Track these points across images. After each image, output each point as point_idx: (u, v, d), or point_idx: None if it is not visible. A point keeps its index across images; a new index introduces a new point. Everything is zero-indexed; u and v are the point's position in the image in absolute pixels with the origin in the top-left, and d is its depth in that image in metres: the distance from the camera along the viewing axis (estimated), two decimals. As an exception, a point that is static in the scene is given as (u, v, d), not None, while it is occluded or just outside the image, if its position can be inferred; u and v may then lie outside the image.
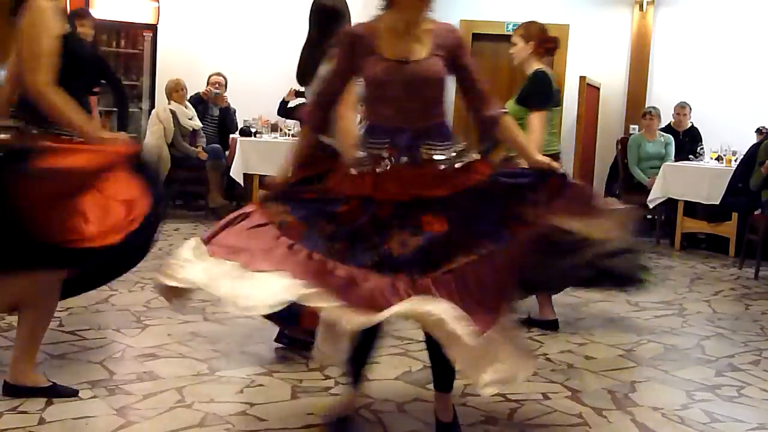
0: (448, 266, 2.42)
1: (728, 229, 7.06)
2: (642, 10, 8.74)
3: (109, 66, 6.92)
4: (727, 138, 7.66)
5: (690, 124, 8.08)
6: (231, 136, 7.89)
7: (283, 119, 7.74)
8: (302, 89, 3.70)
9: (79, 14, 5.94)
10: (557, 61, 8.85)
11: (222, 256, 2.39)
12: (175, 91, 7.57)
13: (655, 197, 7.33)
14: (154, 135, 7.38)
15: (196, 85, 7.89)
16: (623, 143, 8.07)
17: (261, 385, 3.22)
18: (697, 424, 3.04)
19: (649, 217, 7.78)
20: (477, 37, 8.74)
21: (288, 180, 2.69)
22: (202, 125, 7.76)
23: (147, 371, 3.28)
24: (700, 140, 8.01)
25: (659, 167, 7.41)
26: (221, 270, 2.35)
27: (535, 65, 4.21)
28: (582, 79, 8.22)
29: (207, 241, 2.46)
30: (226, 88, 8.04)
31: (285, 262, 2.38)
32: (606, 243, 2.55)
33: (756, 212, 6.43)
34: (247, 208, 2.59)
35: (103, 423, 2.74)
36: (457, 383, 2.77)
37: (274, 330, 3.64)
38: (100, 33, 7.89)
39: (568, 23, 8.87)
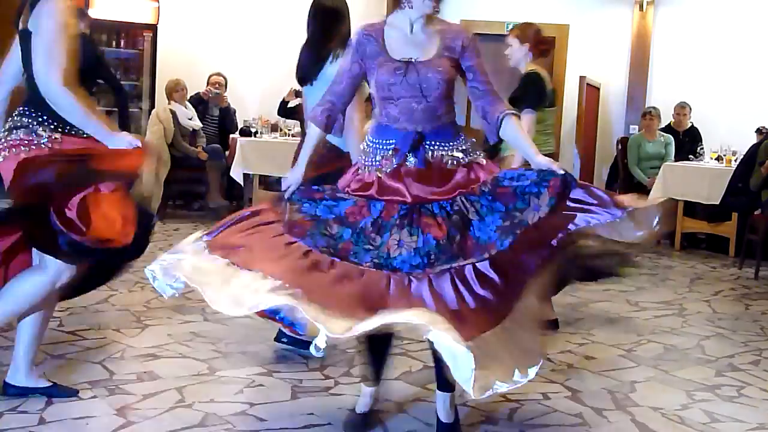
0: (445, 266, 2.42)
1: (728, 229, 7.07)
2: (642, 10, 8.74)
3: (108, 66, 6.92)
4: (727, 138, 7.66)
5: (690, 124, 8.08)
6: (231, 136, 7.88)
7: (283, 119, 7.74)
8: (302, 89, 3.69)
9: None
10: (557, 61, 8.87)
11: (218, 252, 2.42)
12: (175, 91, 7.56)
13: (655, 197, 7.32)
14: (154, 135, 7.38)
15: (196, 85, 7.89)
16: (623, 143, 8.07)
17: (261, 385, 3.22)
18: (697, 424, 3.04)
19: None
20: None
21: (300, 179, 2.72)
22: (202, 125, 7.76)
23: (147, 371, 3.28)
24: (700, 140, 8.01)
25: (659, 167, 7.40)
26: (211, 267, 2.38)
27: (530, 66, 4.26)
28: (582, 79, 8.23)
29: (210, 237, 2.50)
30: (226, 88, 8.03)
31: (278, 260, 2.41)
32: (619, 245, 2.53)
33: (756, 212, 6.43)
34: (259, 206, 2.64)
35: (103, 423, 2.74)
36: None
37: (274, 330, 3.64)
38: (101, 33, 7.89)
39: (568, 23, 8.88)
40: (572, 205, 2.48)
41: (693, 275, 6.16)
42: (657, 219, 2.51)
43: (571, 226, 2.45)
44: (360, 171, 2.62)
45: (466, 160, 2.59)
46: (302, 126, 3.86)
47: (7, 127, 2.73)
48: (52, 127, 2.69)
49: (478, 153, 2.64)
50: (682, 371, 3.68)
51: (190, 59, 8.34)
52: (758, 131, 7.72)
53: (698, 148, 7.85)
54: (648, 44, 8.78)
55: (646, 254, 6.53)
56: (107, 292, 4.38)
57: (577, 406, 3.15)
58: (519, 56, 4.27)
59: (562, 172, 2.49)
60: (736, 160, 7.03)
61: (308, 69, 3.51)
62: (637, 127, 8.43)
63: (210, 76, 8.01)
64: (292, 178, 2.72)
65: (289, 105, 7.23)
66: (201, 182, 7.81)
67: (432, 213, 2.49)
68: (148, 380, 3.18)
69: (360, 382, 2.97)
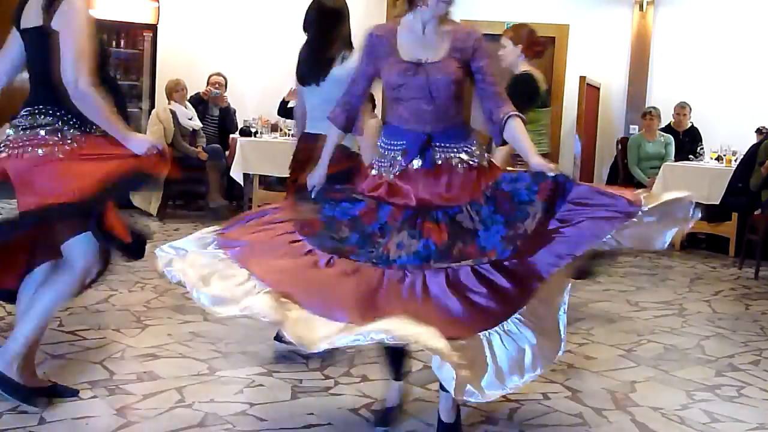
0: (443, 264, 2.42)
1: (728, 229, 7.07)
2: (642, 10, 8.74)
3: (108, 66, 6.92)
4: (727, 138, 7.67)
5: (690, 124, 8.09)
6: (231, 136, 7.89)
7: (283, 119, 7.74)
8: (302, 89, 3.69)
9: None
10: (557, 61, 8.88)
11: (223, 246, 2.51)
12: (175, 91, 7.57)
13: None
14: (154, 135, 7.37)
15: (196, 85, 7.89)
16: (623, 143, 8.07)
17: (261, 385, 3.22)
18: (697, 424, 3.04)
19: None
20: (477, 37, 8.73)
21: (324, 179, 2.76)
22: (202, 125, 7.76)
23: (147, 371, 3.28)
24: (700, 140, 8.01)
25: (659, 167, 7.40)
26: (207, 262, 2.45)
27: (523, 67, 4.28)
28: (582, 79, 8.23)
29: (225, 231, 2.57)
30: (226, 88, 8.04)
31: (276, 258, 2.46)
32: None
33: (756, 212, 6.44)
34: (279, 204, 2.70)
35: (103, 423, 2.74)
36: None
37: (274, 330, 3.63)
38: (101, 33, 7.87)
39: (568, 23, 8.88)
40: (573, 207, 2.44)
41: (693, 275, 6.16)
42: (691, 210, 2.44)
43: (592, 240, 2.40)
44: (373, 171, 2.65)
45: (474, 163, 2.58)
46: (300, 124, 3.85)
47: (25, 125, 2.70)
48: (76, 126, 2.71)
49: (486, 155, 2.64)
50: (682, 371, 3.68)
51: (190, 59, 8.34)
52: (758, 131, 7.73)
53: (698, 148, 7.85)
54: (648, 44, 8.78)
55: (646, 254, 6.54)
56: (107, 292, 4.38)
57: (577, 406, 3.15)
58: (513, 57, 4.29)
59: (554, 174, 2.46)
60: (736, 160, 7.03)
61: (313, 70, 3.50)
62: (637, 127, 8.43)
63: (210, 76, 8.01)
64: (316, 177, 2.77)
65: (289, 105, 7.21)
66: (201, 182, 7.81)
67: (436, 219, 2.49)
68: (148, 380, 3.18)
69: (360, 381, 2.97)
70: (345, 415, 2.94)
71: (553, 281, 2.43)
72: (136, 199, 6.91)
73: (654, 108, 7.95)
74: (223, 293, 2.36)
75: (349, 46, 3.51)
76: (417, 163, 2.57)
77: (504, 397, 3.09)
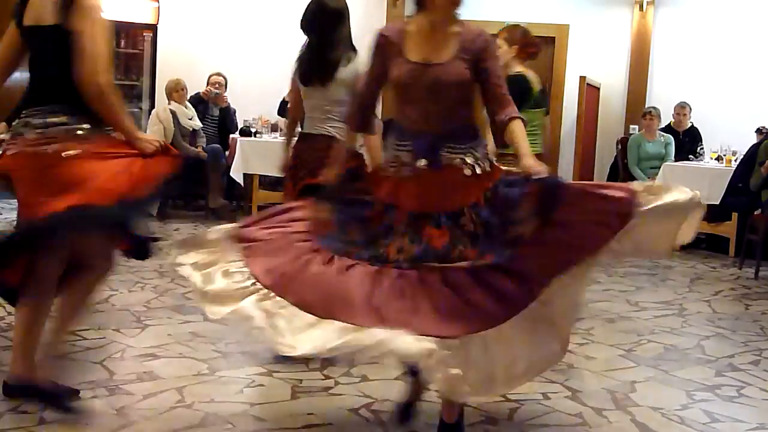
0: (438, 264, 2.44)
1: (728, 229, 7.07)
2: (642, 10, 8.74)
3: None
4: (727, 138, 7.66)
5: (690, 124, 8.09)
6: (231, 136, 7.89)
7: (284, 119, 7.74)
8: (304, 89, 3.68)
9: None
10: (557, 61, 8.88)
11: (237, 241, 2.56)
12: (175, 91, 7.56)
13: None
14: (155, 135, 7.35)
15: (196, 85, 7.89)
16: (623, 143, 8.07)
17: (261, 385, 3.23)
18: (697, 424, 3.04)
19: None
20: (477, 37, 8.73)
21: (338, 179, 2.78)
22: (202, 125, 7.75)
23: (147, 371, 3.28)
24: (700, 140, 8.01)
25: (659, 167, 7.40)
26: (214, 259, 2.51)
27: (517, 68, 4.29)
28: (582, 79, 8.22)
29: (242, 228, 2.61)
30: (226, 88, 8.03)
31: (281, 257, 2.50)
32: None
33: (756, 212, 6.44)
34: (299, 203, 2.73)
35: (103, 423, 2.74)
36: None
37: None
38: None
39: (568, 23, 8.88)
40: (567, 210, 2.44)
41: (693, 275, 6.17)
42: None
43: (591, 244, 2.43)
44: (382, 172, 2.66)
45: (480, 165, 2.58)
46: (301, 124, 3.85)
47: (40, 123, 2.69)
48: (90, 125, 2.71)
49: (491, 158, 2.63)
50: (682, 371, 3.68)
51: (190, 59, 8.34)
52: (758, 131, 7.73)
53: (698, 148, 7.85)
54: (648, 44, 8.78)
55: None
56: (107, 292, 4.38)
57: (577, 406, 3.15)
58: (507, 58, 4.29)
59: (542, 176, 2.40)
60: (736, 160, 7.03)
61: (319, 71, 3.49)
62: (637, 127, 8.43)
63: (210, 76, 8.01)
64: (331, 177, 2.77)
65: (290, 105, 7.21)
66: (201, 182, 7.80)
67: (438, 223, 2.49)
68: (148, 380, 3.18)
69: (360, 381, 2.96)
70: (345, 415, 2.94)
71: (555, 286, 2.43)
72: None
73: (654, 108, 7.95)
74: (222, 290, 2.42)
75: (352, 47, 3.52)
76: (424, 164, 2.57)
77: (504, 397, 3.10)
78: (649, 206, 2.45)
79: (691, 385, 3.48)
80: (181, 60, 8.27)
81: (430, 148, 2.56)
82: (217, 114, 8.06)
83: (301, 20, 3.57)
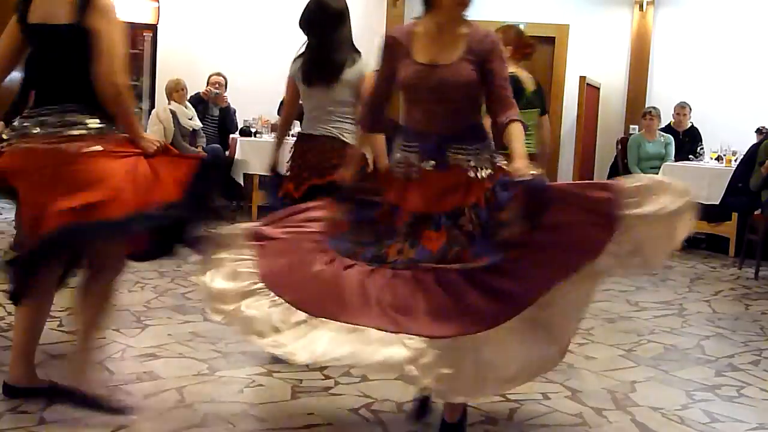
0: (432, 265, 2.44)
1: (728, 229, 7.07)
2: (642, 10, 8.74)
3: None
4: (727, 138, 7.66)
5: (690, 124, 8.09)
6: (231, 136, 7.89)
7: (282, 119, 7.74)
8: (305, 89, 3.67)
9: None
10: (557, 61, 8.88)
11: (252, 240, 2.58)
12: (175, 91, 7.57)
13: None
14: (155, 135, 7.35)
15: (196, 85, 7.89)
16: (623, 143, 8.07)
17: (261, 385, 3.23)
18: (697, 424, 3.04)
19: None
20: (477, 37, 8.74)
21: (354, 179, 2.79)
22: (202, 125, 7.76)
23: (147, 371, 3.28)
24: (700, 140, 8.01)
25: (659, 167, 7.40)
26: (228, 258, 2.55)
27: (510, 69, 4.29)
28: (582, 79, 8.23)
29: (260, 226, 2.65)
30: (226, 88, 8.04)
31: (288, 257, 2.52)
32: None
33: (756, 212, 6.44)
34: (319, 202, 2.74)
35: (103, 423, 2.74)
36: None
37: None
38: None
39: (568, 23, 8.88)
40: (555, 213, 2.43)
41: (693, 275, 6.17)
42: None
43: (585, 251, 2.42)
44: (390, 173, 2.67)
45: (483, 167, 2.58)
46: (301, 124, 3.84)
47: (53, 122, 2.68)
48: (104, 123, 2.72)
49: (495, 160, 2.63)
50: (682, 371, 3.69)
51: (190, 59, 8.34)
52: (758, 131, 7.73)
53: (698, 148, 7.85)
54: (648, 44, 8.78)
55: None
56: (107, 292, 4.38)
57: (577, 406, 3.15)
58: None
59: (526, 179, 2.37)
60: (736, 160, 7.03)
61: (324, 72, 3.48)
62: (637, 127, 8.43)
63: (210, 76, 8.01)
64: (347, 178, 2.78)
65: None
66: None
67: (437, 225, 2.49)
68: (148, 380, 3.18)
69: (360, 381, 2.97)
70: (345, 415, 2.94)
71: (555, 292, 2.41)
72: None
73: (654, 108, 7.95)
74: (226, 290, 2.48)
75: (354, 47, 3.52)
76: (431, 165, 2.56)
77: (504, 397, 3.10)
78: (638, 211, 2.40)
79: (691, 385, 3.48)
80: (181, 60, 8.28)
81: (436, 149, 2.56)
82: (217, 114, 8.06)
83: (300, 20, 3.55)
